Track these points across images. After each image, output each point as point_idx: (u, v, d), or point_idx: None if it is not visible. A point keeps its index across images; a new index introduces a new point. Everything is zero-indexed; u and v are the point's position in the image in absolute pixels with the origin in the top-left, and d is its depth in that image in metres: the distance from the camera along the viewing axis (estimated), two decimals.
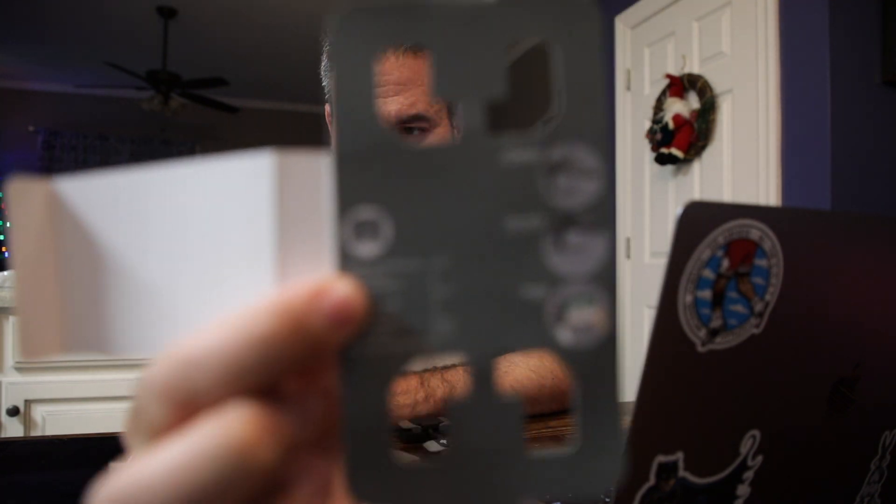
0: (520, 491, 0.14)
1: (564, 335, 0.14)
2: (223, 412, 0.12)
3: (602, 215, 0.14)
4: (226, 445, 0.12)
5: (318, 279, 0.13)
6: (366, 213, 0.14)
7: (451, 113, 0.64)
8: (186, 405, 0.13)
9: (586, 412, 0.14)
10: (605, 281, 0.14)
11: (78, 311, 0.16)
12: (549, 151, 0.14)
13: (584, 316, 0.14)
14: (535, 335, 0.14)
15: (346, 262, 0.14)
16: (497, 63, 0.14)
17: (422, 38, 0.14)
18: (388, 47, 0.14)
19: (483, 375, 0.14)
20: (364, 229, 0.14)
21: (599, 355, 0.14)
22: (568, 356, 0.14)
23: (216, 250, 0.15)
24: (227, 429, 0.12)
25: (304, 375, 0.14)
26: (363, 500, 0.14)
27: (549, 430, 0.63)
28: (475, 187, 0.14)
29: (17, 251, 0.16)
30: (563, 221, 0.14)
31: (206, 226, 0.15)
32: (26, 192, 0.16)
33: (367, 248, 0.14)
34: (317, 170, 0.15)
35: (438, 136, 0.61)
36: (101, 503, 0.13)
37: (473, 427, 0.14)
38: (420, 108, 0.58)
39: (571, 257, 0.14)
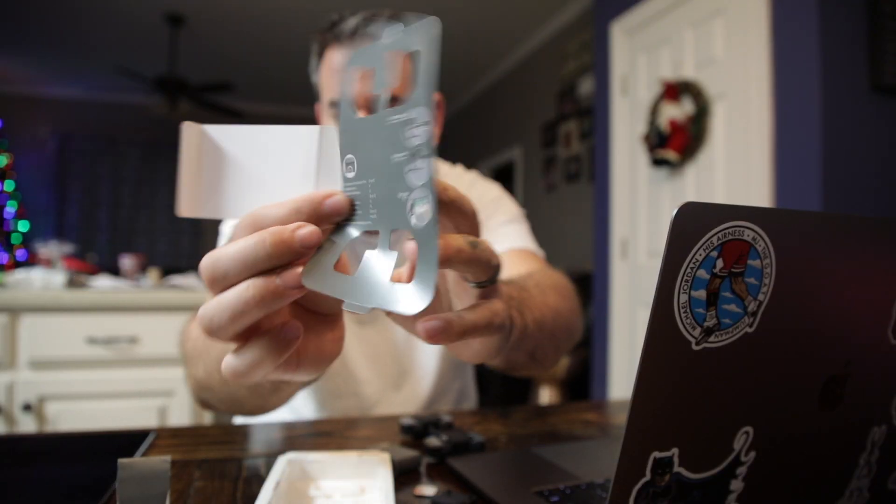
0: (386, 299, 0.25)
1: (412, 219, 0.25)
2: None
3: (429, 148, 0.24)
4: (267, 283, 0.26)
5: (328, 190, 0.28)
6: (348, 156, 0.28)
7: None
8: (253, 266, 0.26)
9: (420, 262, 0.24)
10: (430, 188, 0.24)
11: (209, 193, 0.30)
12: (407, 113, 0.24)
13: (420, 209, 0.24)
14: (404, 220, 0.25)
15: (343, 180, 0.29)
16: (395, 70, 0.26)
17: (366, 62, 0.28)
18: (356, 68, 0.28)
19: (383, 239, 0.26)
20: (348, 164, 0.28)
21: (427, 230, 0.24)
22: (413, 231, 0.24)
23: (285, 167, 0.29)
24: (271, 279, 0.26)
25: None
26: (309, 287, 0.26)
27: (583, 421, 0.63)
28: (381, 138, 0.26)
29: (184, 159, 0.29)
30: (414, 153, 0.24)
31: (280, 156, 0.29)
32: (189, 128, 0.30)
33: (350, 174, 0.28)
34: (335, 135, 0.29)
35: None
36: (198, 316, 0.27)
37: (367, 267, 0.26)
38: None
39: (416, 175, 0.24)
